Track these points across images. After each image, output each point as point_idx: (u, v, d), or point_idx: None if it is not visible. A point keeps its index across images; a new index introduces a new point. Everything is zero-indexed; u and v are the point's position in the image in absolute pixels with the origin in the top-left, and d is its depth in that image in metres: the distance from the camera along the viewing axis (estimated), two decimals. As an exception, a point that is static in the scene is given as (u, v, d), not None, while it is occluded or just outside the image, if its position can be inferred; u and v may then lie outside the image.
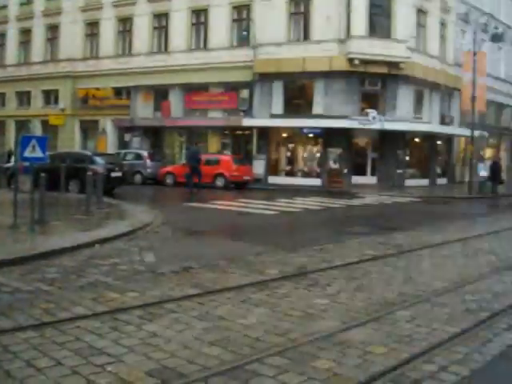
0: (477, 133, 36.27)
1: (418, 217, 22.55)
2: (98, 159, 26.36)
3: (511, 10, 51.30)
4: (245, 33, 39.04)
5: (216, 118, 40.37)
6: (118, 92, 45.05)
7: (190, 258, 11.38)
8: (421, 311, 8.13)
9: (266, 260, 11.62)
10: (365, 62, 35.57)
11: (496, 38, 38.53)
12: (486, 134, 40.45)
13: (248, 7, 39.66)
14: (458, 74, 41.18)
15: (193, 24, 42.19)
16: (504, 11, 49.71)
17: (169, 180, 34.54)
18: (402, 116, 36.75)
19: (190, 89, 41.80)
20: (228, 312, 7.81)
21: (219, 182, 32.80)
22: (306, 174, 38.46)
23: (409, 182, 37.98)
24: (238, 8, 40.47)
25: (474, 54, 34.97)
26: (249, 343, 6.62)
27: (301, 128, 36.76)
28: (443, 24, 41.53)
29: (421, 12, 38.82)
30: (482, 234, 16.82)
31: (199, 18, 42.06)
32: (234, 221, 19.59)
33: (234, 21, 40.65)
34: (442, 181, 42.09)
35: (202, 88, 41.30)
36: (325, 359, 6.18)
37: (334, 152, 35.82)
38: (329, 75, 36.41)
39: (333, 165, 34.57)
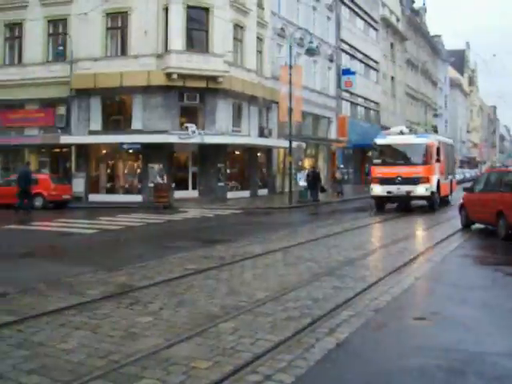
0: (294, 144, 37.38)
1: (240, 228, 22.89)
2: None
3: (325, 26, 53.85)
4: (61, 48, 38.00)
5: (33, 135, 39.06)
6: None
7: (7, 283, 10.88)
8: (244, 322, 8.23)
9: (87, 280, 11.35)
10: (183, 77, 35.79)
11: (311, 52, 39.89)
12: (303, 144, 41.78)
13: (64, 22, 38.82)
14: (275, 87, 42.52)
15: (6, 38, 40.79)
16: (318, 26, 52.06)
17: (-18, 202, 32.68)
18: (222, 129, 37.25)
19: (4, 106, 40.14)
20: (47, 337, 7.55)
21: (38, 202, 31.50)
22: (128, 191, 38.15)
23: (230, 195, 38.53)
24: (53, 22, 39.51)
25: (290, 67, 36.03)
26: (70, 368, 6.42)
27: (120, 144, 36.31)
28: (260, 39, 42.70)
29: (238, 27, 39.59)
30: (303, 242, 17.31)
31: (13, 32, 40.73)
32: (53, 242, 18.97)
33: (49, 35, 39.68)
34: (263, 192, 43.06)
35: (18, 105, 39.92)
36: (149, 378, 6.11)
37: (156, 167, 35.64)
38: (147, 90, 36.31)
39: (159, 180, 34.30)
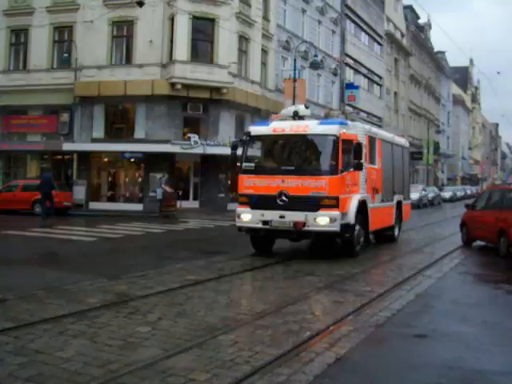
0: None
1: (240, 240, 22.71)
2: None
3: (329, 39, 54.05)
4: (66, 55, 38.12)
5: (35, 142, 39.07)
6: None
7: (5, 290, 10.84)
8: (243, 335, 8.19)
9: (86, 288, 11.32)
10: (187, 87, 35.84)
11: (315, 65, 39.92)
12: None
13: (70, 29, 38.89)
14: (278, 99, 42.48)
15: (12, 44, 40.88)
16: (323, 40, 52.29)
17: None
18: (224, 140, 37.20)
19: (8, 111, 40.21)
20: (45, 345, 7.49)
21: (38, 209, 31.46)
22: (128, 199, 38.10)
23: (231, 206, 38.36)
24: (59, 29, 39.58)
25: (295, 80, 36.04)
26: (67, 377, 6.37)
27: (122, 153, 36.32)
28: (265, 51, 42.78)
29: (243, 38, 39.70)
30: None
31: (19, 38, 40.80)
32: (53, 248, 18.93)
33: (55, 42, 39.77)
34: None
35: (21, 111, 39.91)
36: (147, 389, 6.03)
37: (158, 176, 35.60)
38: (151, 99, 36.36)
39: (168, 189, 34.13)
